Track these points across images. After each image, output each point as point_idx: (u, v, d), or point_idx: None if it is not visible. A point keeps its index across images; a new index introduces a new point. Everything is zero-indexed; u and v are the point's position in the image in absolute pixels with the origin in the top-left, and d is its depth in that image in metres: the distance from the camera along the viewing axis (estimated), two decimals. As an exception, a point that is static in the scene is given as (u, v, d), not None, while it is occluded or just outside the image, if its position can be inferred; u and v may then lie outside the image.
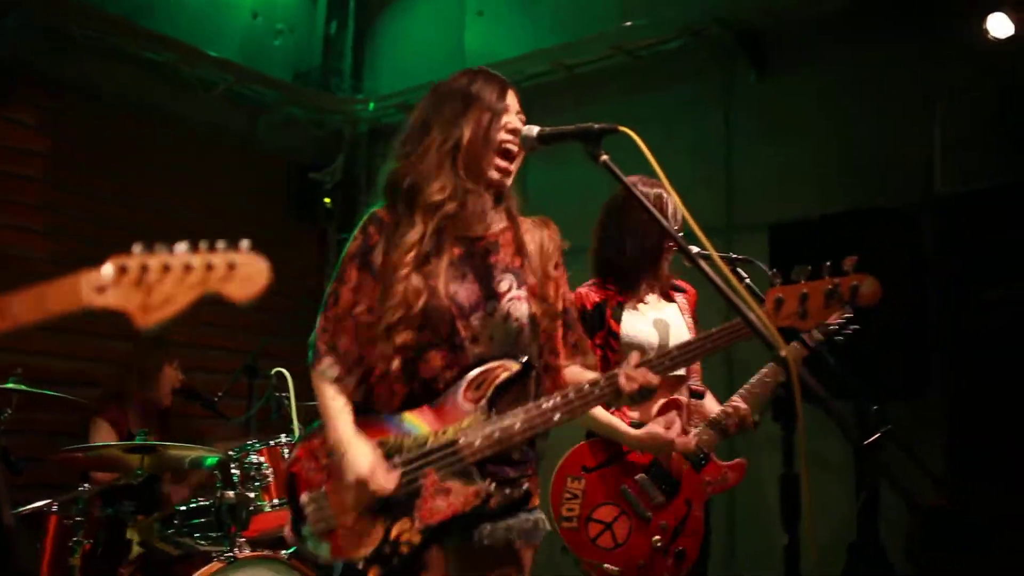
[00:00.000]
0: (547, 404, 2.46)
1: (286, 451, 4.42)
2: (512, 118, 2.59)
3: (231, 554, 4.01)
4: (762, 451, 4.38)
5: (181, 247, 1.46)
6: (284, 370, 4.83)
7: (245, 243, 1.47)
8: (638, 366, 2.47)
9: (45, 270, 5.98)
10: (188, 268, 1.44)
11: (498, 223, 2.67)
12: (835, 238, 5.16)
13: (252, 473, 4.28)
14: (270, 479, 4.33)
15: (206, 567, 3.96)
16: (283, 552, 4.14)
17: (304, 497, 2.52)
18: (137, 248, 1.45)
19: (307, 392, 2.64)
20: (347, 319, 2.54)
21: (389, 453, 2.46)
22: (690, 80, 6.57)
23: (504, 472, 2.50)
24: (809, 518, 2.29)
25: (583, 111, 6.28)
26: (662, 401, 3.43)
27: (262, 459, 4.33)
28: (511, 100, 2.62)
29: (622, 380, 2.45)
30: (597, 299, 3.57)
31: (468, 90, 2.59)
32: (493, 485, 2.44)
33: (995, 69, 5.29)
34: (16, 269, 5.94)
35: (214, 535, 4.21)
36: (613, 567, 3.34)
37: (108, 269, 1.43)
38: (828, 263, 2.37)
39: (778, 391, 3.38)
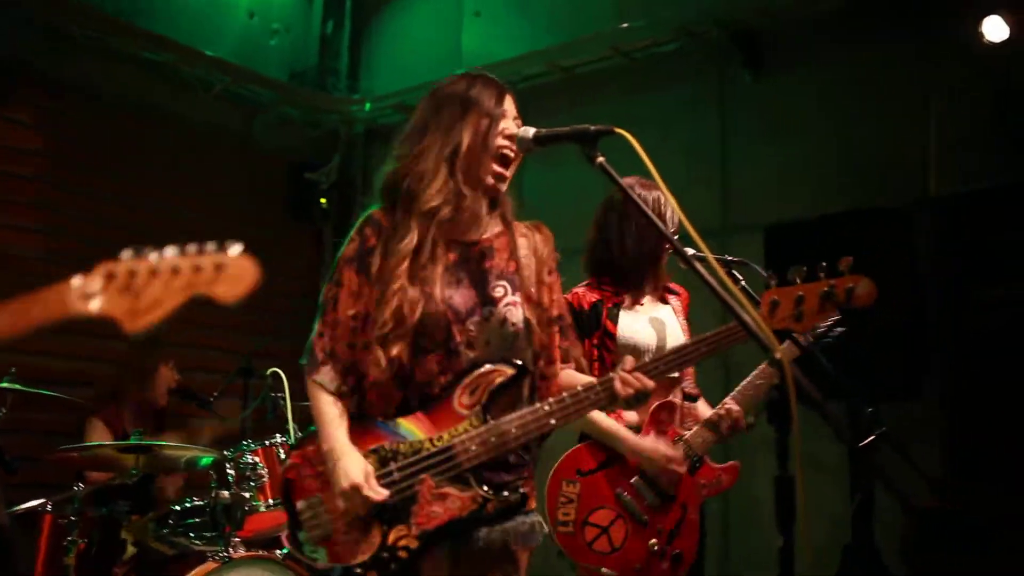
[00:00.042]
0: (542, 409, 2.47)
1: (281, 452, 4.42)
2: (509, 123, 2.59)
3: (226, 554, 4.01)
4: (757, 453, 4.39)
5: (169, 250, 1.46)
6: (279, 370, 4.83)
7: (233, 243, 1.48)
8: (633, 370, 2.47)
9: (43, 269, 6.05)
10: (176, 271, 1.45)
11: (493, 228, 2.66)
12: (832, 239, 5.15)
13: (247, 473, 4.27)
14: (265, 479, 4.33)
15: (200, 567, 3.96)
16: (278, 552, 4.14)
17: (300, 504, 2.51)
18: (125, 253, 1.46)
19: (302, 392, 2.63)
20: (345, 323, 2.53)
21: (385, 459, 2.46)
22: (686, 81, 6.57)
23: (500, 477, 2.50)
24: (804, 520, 2.29)
25: (579, 112, 6.28)
26: (656, 403, 3.43)
27: (257, 459, 4.33)
28: (509, 105, 2.62)
29: (617, 384, 2.46)
30: (593, 300, 3.55)
31: (467, 95, 2.58)
32: (490, 490, 2.44)
33: (991, 71, 5.30)
34: (15, 268, 5.95)
35: (209, 535, 4.20)
36: (610, 571, 3.32)
37: (95, 277, 1.44)
38: (824, 264, 2.36)
39: (772, 393, 3.38)
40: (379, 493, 2.39)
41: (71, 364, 6.03)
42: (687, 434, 3.49)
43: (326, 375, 2.51)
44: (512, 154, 2.57)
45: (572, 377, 2.68)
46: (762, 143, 6.21)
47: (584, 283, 3.64)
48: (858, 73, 5.85)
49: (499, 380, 2.48)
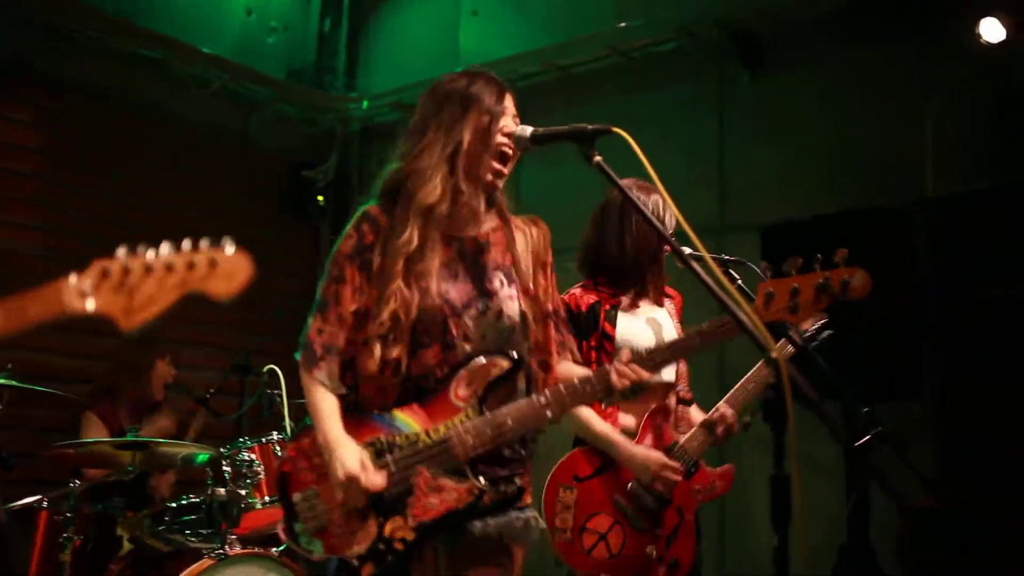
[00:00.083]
0: (538, 400, 2.47)
1: (278, 448, 4.41)
2: (509, 121, 2.60)
3: (221, 551, 4.01)
4: (752, 452, 4.38)
5: (163, 248, 1.46)
6: (276, 367, 4.83)
7: (226, 240, 1.48)
8: (629, 362, 2.47)
9: (41, 267, 6.04)
10: (170, 268, 1.46)
11: (490, 223, 2.67)
12: (831, 239, 5.14)
13: (243, 470, 4.27)
14: (261, 476, 4.32)
15: (196, 564, 3.96)
16: (274, 549, 4.14)
17: (296, 496, 2.52)
18: (120, 251, 1.46)
19: (299, 389, 2.63)
20: (348, 320, 2.53)
21: (381, 452, 2.46)
22: (685, 81, 6.56)
23: (495, 472, 2.50)
24: (800, 519, 2.29)
25: (577, 111, 6.27)
26: (652, 406, 3.42)
27: (253, 456, 4.33)
28: (508, 103, 2.63)
29: (614, 377, 2.47)
30: (590, 301, 3.51)
31: (467, 92, 2.59)
32: (486, 482, 2.44)
33: (991, 71, 5.30)
34: (14, 266, 5.96)
35: (205, 532, 4.20)
36: None
37: (89, 276, 1.44)
38: (819, 256, 2.35)
39: (767, 393, 3.37)
40: (377, 482, 2.39)
41: (68, 360, 6.02)
42: (682, 439, 3.48)
43: (324, 371, 2.51)
44: (511, 152, 2.58)
45: (569, 369, 2.68)
46: (761, 143, 6.20)
47: (580, 284, 3.60)
48: (857, 73, 5.85)
49: (495, 372, 2.49)
